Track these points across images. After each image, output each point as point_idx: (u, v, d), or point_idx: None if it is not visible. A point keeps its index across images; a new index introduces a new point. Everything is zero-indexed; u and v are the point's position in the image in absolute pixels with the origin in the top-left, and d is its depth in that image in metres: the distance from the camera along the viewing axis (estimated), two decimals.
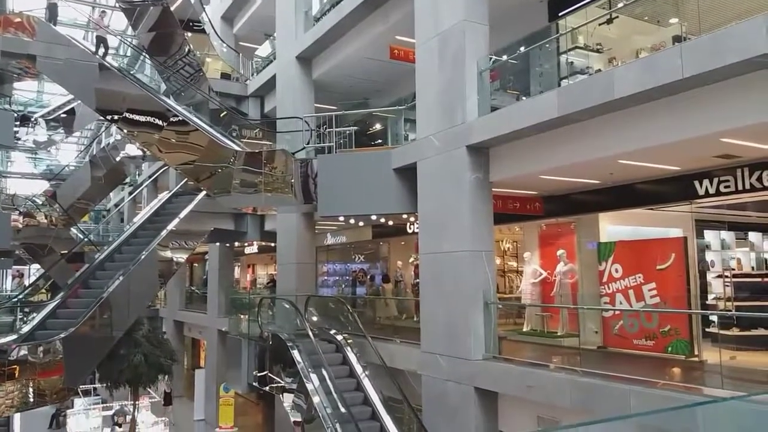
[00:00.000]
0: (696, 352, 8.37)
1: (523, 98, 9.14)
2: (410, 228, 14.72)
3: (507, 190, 10.37)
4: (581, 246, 11.08)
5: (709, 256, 10.80)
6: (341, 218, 14.04)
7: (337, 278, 20.60)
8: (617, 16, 8.35)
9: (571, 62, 9.04)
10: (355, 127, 13.20)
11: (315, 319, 12.86)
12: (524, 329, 11.33)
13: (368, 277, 18.03)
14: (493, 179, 9.19)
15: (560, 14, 9.44)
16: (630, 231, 10.20)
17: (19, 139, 23.40)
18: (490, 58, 9.26)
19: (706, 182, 8.42)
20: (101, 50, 14.37)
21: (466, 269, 8.91)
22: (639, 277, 9.16)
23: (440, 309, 9.36)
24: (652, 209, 9.73)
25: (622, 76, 6.61)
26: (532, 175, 8.97)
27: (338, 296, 15.86)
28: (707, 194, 8.44)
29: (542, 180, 9.55)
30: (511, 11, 10.69)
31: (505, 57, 9.70)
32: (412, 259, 16.36)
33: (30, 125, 24.19)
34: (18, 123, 22.67)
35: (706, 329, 8.64)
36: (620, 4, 8.35)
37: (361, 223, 16.29)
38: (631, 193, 9.57)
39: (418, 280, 11.98)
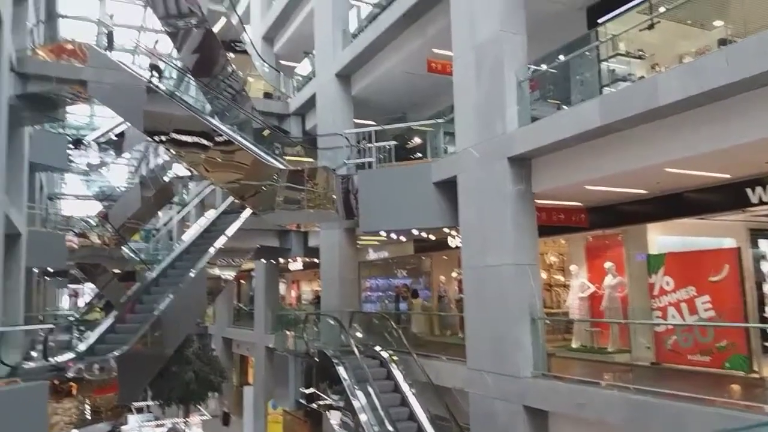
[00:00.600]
0: (755, 368, 7.96)
1: (564, 107, 8.97)
2: (452, 242, 14.60)
3: (551, 201, 10.16)
4: (630, 258, 10.74)
5: (765, 267, 10.29)
6: (382, 233, 14.04)
7: (380, 294, 20.57)
8: (659, 21, 8.11)
9: (613, 69, 8.83)
10: (395, 142, 13.20)
11: (359, 335, 12.86)
12: (573, 345, 11.02)
13: (410, 292, 17.94)
14: (535, 190, 9.02)
15: (600, 21, 9.26)
16: (680, 242, 9.84)
17: (72, 161, 24.36)
18: (529, 68, 9.15)
19: (759, 189, 8.04)
20: (153, 76, 14.92)
21: (510, 283, 8.75)
22: (691, 290, 8.81)
23: (485, 325, 9.20)
24: (702, 219, 9.36)
25: (666, 83, 6.40)
26: (576, 185, 8.77)
27: (382, 312, 15.81)
28: (761, 202, 8.06)
29: (587, 190, 9.32)
30: (548, 20, 10.56)
31: (544, 66, 9.55)
32: (455, 274, 16.19)
33: (83, 148, 25.19)
34: (71, 146, 23.64)
35: (765, 343, 8.21)
36: (662, 9, 8.11)
37: (402, 238, 16.25)
38: (680, 203, 9.23)
39: (462, 295, 11.84)
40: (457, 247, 12.93)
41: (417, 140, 14.60)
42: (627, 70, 8.87)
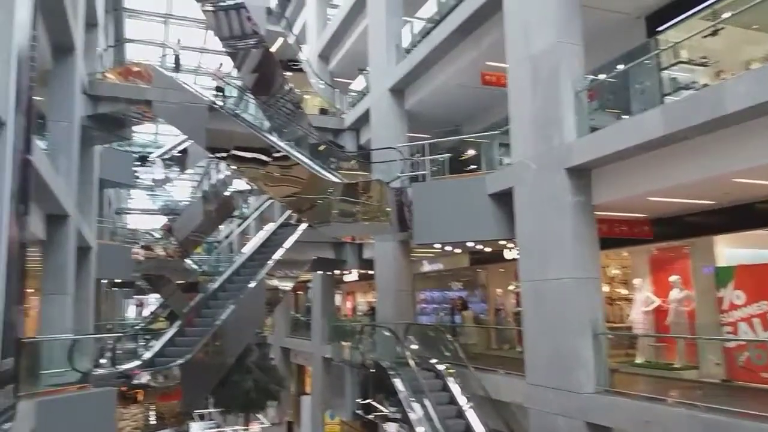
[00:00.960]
0: None
1: (625, 117, 8.78)
2: (509, 254, 14.42)
3: (612, 213, 9.93)
4: (697, 271, 10.33)
5: None
6: (437, 245, 14.03)
7: (435, 306, 20.49)
8: (723, 27, 7.85)
9: (674, 78, 8.59)
10: (448, 154, 13.22)
11: (415, 347, 12.85)
12: (637, 361, 10.66)
13: (464, 304, 17.81)
14: (596, 202, 8.85)
15: (659, 29, 9.03)
16: (751, 254, 9.40)
17: (139, 177, 25.47)
18: (586, 78, 9.01)
19: None
20: (218, 97, 15.56)
21: (570, 297, 8.59)
22: (765, 305, 8.39)
23: (545, 339, 9.05)
24: None
25: (734, 90, 6.20)
26: (638, 196, 8.54)
27: (437, 325, 15.76)
28: None
29: (650, 202, 9.07)
30: (605, 29, 10.40)
31: (602, 76, 9.39)
32: (512, 287, 15.98)
33: (148, 165, 26.34)
34: (138, 163, 24.77)
35: None
36: (726, 15, 7.85)
37: (457, 250, 16.18)
38: (750, 214, 8.85)
39: (519, 309, 11.68)
40: (513, 260, 12.81)
41: (471, 152, 14.54)
42: (690, 78, 8.61)
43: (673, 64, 8.68)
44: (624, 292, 13.35)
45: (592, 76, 9.14)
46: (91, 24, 16.38)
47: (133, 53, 28.47)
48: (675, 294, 10.31)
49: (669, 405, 7.35)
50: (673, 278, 10.44)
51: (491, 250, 14.67)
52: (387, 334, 13.49)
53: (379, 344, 14.41)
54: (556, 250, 8.90)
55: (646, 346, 10.70)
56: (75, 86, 13.54)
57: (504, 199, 10.52)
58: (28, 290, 12.70)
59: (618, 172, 8.39)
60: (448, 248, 15.21)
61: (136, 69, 16.90)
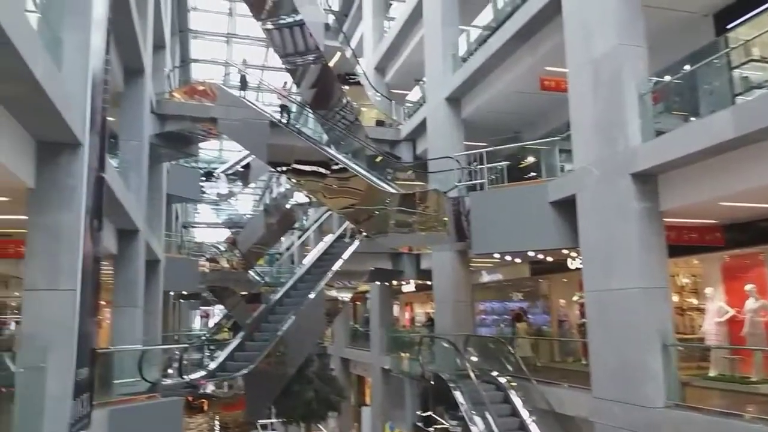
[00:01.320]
0: None
1: (692, 119, 8.42)
2: (572, 264, 14.04)
3: (681, 219, 9.50)
4: None
5: None
6: (496, 255, 13.81)
7: (496, 317, 20.15)
8: None
9: (746, 77, 8.16)
10: (507, 162, 13.02)
11: (475, 359, 12.67)
12: (710, 374, 10.12)
13: (519, 316, 17.44)
14: (663, 208, 8.49)
15: (729, 27, 8.63)
16: None
17: (204, 192, 26.39)
18: (650, 80, 8.71)
19: None
20: (283, 117, 15.99)
21: (638, 307, 8.26)
22: None
23: (611, 351, 8.73)
24: None
25: None
26: (708, 202, 8.15)
27: (497, 336, 15.49)
28: None
29: (721, 207, 8.63)
30: (669, 29, 10.03)
31: (667, 77, 9.04)
32: (576, 297, 15.52)
33: (213, 180, 27.29)
34: (203, 178, 25.69)
35: None
36: None
37: (517, 260, 15.88)
38: None
39: (584, 320, 11.32)
40: (577, 269, 12.47)
41: (530, 159, 14.29)
42: (764, 77, 8.16)
43: (745, 63, 8.25)
44: (695, 301, 12.73)
45: (656, 78, 8.82)
46: (158, 46, 17.19)
47: (197, 72, 29.70)
48: (750, 304, 9.74)
49: (746, 421, 6.93)
50: (748, 287, 9.87)
51: (553, 259, 14.32)
52: (446, 345, 13.37)
53: (439, 356, 14.29)
54: (621, 258, 8.59)
55: (720, 359, 10.13)
56: (144, 106, 14.23)
57: (566, 207, 10.26)
58: (102, 303, 13.33)
59: (686, 177, 8.03)
60: (508, 258, 14.95)
61: (201, 88, 17.60)
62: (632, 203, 8.43)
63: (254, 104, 16.86)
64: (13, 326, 16.04)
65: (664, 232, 8.65)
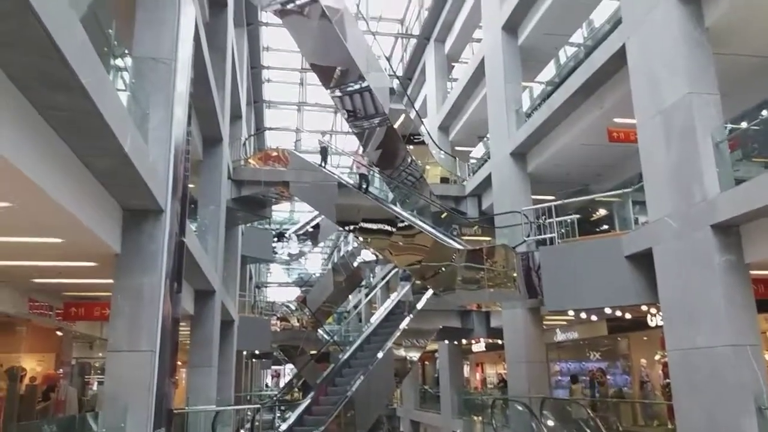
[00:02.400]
0: None
1: None
2: (652, 321, 13.33)
3: None
4: None
5: None
6: (570, 312, 13.32)
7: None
8: None
9: None
10: (577, 215, 12.73)
11: (551, 423, 12.06)
12: None
13: (574, 377, 16.55)
14: (748, 260, 8.00)
15: None
16: None
17: (276, 252, 27.16)
18: (726, 128, 8.40)
19: None
20: (363, 187, 16.40)
21: (727, 367, 7.68)
22: None
23: (700, 415, 8.10)
24: None
25: None
26: None
27: (576, 399, 14.72)
28: None
29: None
30: (742, 74, 9.71)
31: (744, 124, 8.71)
32: (658, 356, 14.64)
33: (284, 240, 28.12)
34: (275, 239, 26.53)
35: None
36: None
37: (593, 317, 15.23)
38: None
39: (668, 380, 10.62)
40: (658, 327, 11.82)
41: (602, 212, 13.92)
42: None
43: None
44: None
45: (732, 125, 8.50)
46: (235, 117, 18.27)
47: (270, 138, 31.23)
48: None
49: None
50: None
51: (632, 316, 13.63)
52: (521, 408, 12.84)
53: (513, 420, 13.71)
54: (706, 314, 8.08)
55: None
56: (222, 173, 15.02)
57: (643, 261, 9.84)
58: (178, 363, 13.73)
59: None
60: (583, 315, 14.38)
61: (274, 153, 18.49)
62: (714, 256, 8.00)
63: (324, 167, 17.47)
64: (95, 386, 16.77)
65: (752, 285, 8.11)
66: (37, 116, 4.64)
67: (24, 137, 4.43)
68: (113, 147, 5.27)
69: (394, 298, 19.37)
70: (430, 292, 15.48)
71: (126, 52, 7.42)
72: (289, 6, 15.33)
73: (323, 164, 17.25)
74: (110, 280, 7.18)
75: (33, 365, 12.70)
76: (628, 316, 13.75)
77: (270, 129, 30.70)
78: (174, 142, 7.46)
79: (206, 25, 13.41)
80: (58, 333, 13.23)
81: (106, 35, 6.32)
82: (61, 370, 13.51)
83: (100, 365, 16.52)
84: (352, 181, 16.96)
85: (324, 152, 17.94)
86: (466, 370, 27.67)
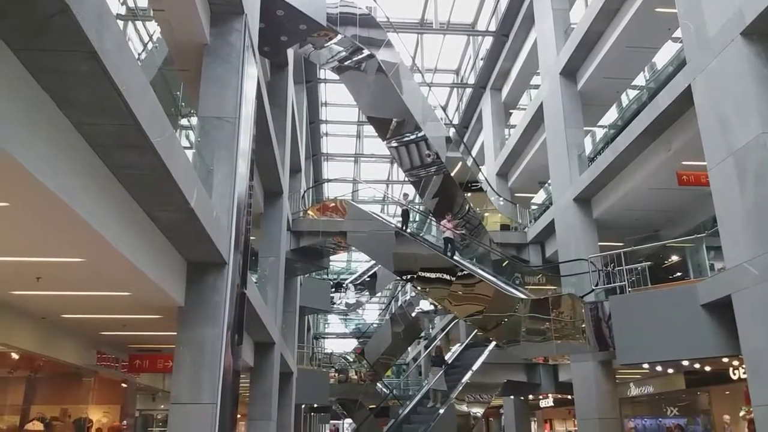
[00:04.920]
0: None
1: None
2: (734, 373, 12.37)
3: None
4: None
5: None
6: (645, 365, 12.54)
7: None
8: None
9: None
10: (648, 262, 12.13)
11: None
12: None
13: None
14: None
15: None
16: None
17: (334, 303, 27.16)
18: None
19: None
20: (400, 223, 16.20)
21: None
22: None
23: None
24: None
25: None
26: None
27: None
28: None
29: None
30: None
31: None
32: (743, 413, 13.50)
33: (342, 290, 28.15)
34: (333, 289, 26.59)
35: None
36: None
37: (670, 370, 14.30)
38: None
39: None
40: (741, 379, 10.95)
41: (674, 258, 13.23)
42: None
43: None
44: None
45: None
46: (295, 170, 18.71)
47: (328, 189, 31.83)
48: None
49: None
50: None
51: (712, 369, 12.71)
52: None
53: None
54: None
55: None
56: (282, 225, 15.29)
57: (721, 310, 9.20)
58: (238, 415, 13.69)
59: None
60: (659, 368, 13.51)
61: (331, 204, 18.73)
62: None
63: (380, 216, 17.53)
64: None
65: None
66: (111, 176, 4.84)
67: (100, 197, 4.64)
68: (179, 202, 5.41)
69: (455, 350, 18.89)
70: (492, 344, 15.00)
71: (192, 111, 7.74)
72: (347, 62, 15.82)
73: (404, 228, 16.01)
74: (173, 332, 7.28)
75: (99, 416, 12.94)
76: (707, 368, 12.86)
77: (328, 180, 31.31)
78: (237, 196, 7.64)
79: (268, 83, 13.96)
80: (123, 385, 13.50)
81: (174, 97, 6.62)
82: (125, 422, 13.71)
83: (161, 417, 16.70)
84: (408, 230, 16.84)
85: (405, 215, 16.64)
86: (534, 426, 26.38)
